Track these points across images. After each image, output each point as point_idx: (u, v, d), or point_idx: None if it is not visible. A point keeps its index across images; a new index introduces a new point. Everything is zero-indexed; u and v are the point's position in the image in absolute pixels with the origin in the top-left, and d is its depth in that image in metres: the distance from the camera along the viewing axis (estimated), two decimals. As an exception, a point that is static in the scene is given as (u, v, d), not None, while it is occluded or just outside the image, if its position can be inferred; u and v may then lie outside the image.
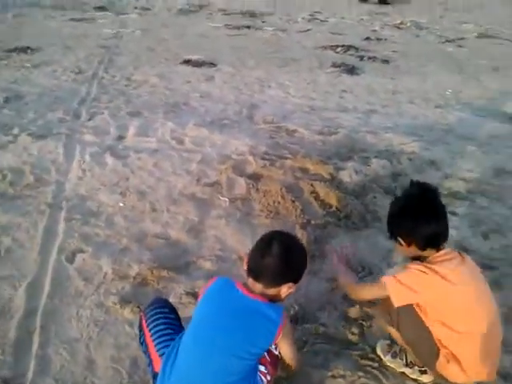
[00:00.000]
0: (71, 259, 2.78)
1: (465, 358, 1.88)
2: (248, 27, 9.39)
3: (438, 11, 11.98)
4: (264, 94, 5.65)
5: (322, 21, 10.29)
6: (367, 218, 3.21)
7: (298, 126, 4.64)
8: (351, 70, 6.68)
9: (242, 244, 2.96)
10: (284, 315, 1.78)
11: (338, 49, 7.87)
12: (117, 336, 2.32)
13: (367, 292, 2.11)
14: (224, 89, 5.79)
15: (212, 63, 6.78)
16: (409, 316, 1.95)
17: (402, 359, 2.16)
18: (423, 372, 2.12)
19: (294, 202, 3.30)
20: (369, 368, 2.18)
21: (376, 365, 2.20)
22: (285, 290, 1.80)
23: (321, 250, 2.88)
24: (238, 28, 9.37)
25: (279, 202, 3.30)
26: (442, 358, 1.92)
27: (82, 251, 2.85)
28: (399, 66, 7.05)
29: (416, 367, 2.12)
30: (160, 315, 1.96)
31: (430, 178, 3.71)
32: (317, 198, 3.37)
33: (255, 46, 8.00)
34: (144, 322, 1.97)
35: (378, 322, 2.15)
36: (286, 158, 3.88)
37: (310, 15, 10.78)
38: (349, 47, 7.91)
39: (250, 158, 3.86)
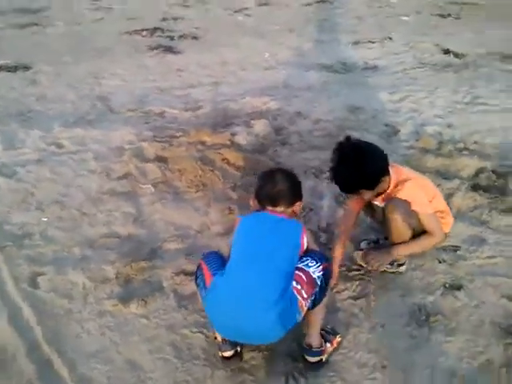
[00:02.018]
0: (34, 284, 2.60)
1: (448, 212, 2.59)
2: (35, 24, 8.71)
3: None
4: (103, 85, 5.51)
5: (108, 8, 10.05)
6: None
7: (162, 107, 4.73)
8: (170, 50, 6.86)
9: (191, 218, 3.11)
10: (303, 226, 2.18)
11: (144, 32, 7.88)
12: (139, 332, 2.33)
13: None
14: (57, 89, 5.46)
15: (25, 66, 6.25)
16: None
17: (382, 260, 2.64)
18: (400, 265, 2.64)
19: (212, 171, 3.52)
20: (359, 276, 2.63)
21: (362, 272, 2.65)
22: (297, 207, 2.27)
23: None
24: (23, 26, 8.63)
25: (200, 176, 3.49)
26: (441, 220, 2.54)
27: (39, 274, 2.66)
28: (210, 40, 7.44)
29: (395, 263, 2.63)
30: (215, 255, 2.22)
31: (303, 125, 4.28)
32: (229, 163, 3.64)
33: (57, 43, 7.55)
34: (201, 261, 2.18)
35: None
36: (178, 137, 4.01)
37: (92, 4, 10.41)
38: (154, 29, 8.01)
39: (145, 144, 3.90)
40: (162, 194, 3.33)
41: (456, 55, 6.25)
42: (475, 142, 3.90)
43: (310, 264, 2.07)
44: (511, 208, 3.11)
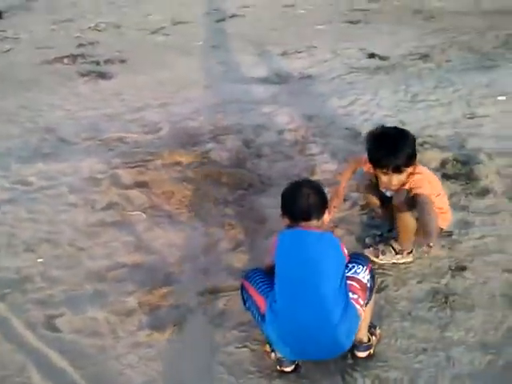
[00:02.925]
0: (53, 328, 2.46)
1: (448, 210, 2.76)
2: None
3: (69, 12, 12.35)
4: (44, 117, 5.25)
5: (15, 38, 9.56)
6: (263, 179, 3.68)
7: (119, 133, 4.63)
8: (102, 75, 6.71)
9: (194, 239, 3.10)
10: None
11: (65, 60, 7.61)
12: (183, 357, 2.30)
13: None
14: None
15: None
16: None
17: (391, 252, 2.80)
18: (409, 253, 2.81)
19: (199, 189, 3.52)
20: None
21: (376, 267, 2.78)
22: (326, 216, 2.28)
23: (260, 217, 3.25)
24: None
25: (188, 196, 3.46)
26: (440, 215, 2.64)
27: (55, 316, 2.53)
28: (138, 62, 7.33)
29: (405, 252, 2.79)
30: (257, 272, 2.24)
31: (269, 137, 4.39)
32: (213, 180, 3.65)
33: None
34: (246, 282, 2.21)
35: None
36: (151, 160, 3.95)
37: (-6, 35, 9.84)
38: (75, 56, 7.76)
39: (119, 171, 3.80)
40: (155, 219, 3.28)
41: (381, 58, 6.67)
42: (430, 136, 4.22)
43: (357, 270, 2.18)
44: (483, 191, 3.39)
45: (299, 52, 7.29)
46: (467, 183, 3.50)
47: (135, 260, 2.91)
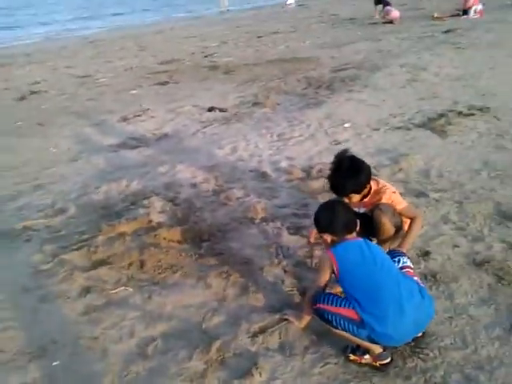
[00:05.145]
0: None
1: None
2: None
3: None
4: None
5: None
6: (218, 227, 3.81)
7: (20, 222, 4.19)
8: None
9: (197, 296, 3.09)
10: None
11: None
12: (284, 391, 2.36)
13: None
14: None
15: None
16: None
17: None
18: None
19: (167, 251, 3.49)
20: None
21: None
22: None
23: (244, 258, 3.41)
24: None
25: (161, 259, 3.41)
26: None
27: None
28: (34, 133, 6.55)
29: (386, 252, 3.30)
30: (325, 294, 2.49)
31: (186, 192, 4.52)
32: (172, 240, 3.65)
33: None
34: (321, 305, 2.43)
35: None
36: (91, 238, 3.72)
37: None
38: None
39: (65, 257, 3.49)
40: (144, 289, 3.15)
41: (221, 110, 7.28)
42: (319, 163, 4.85)
43: (404, 260, 2.66)
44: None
45: (138, 116, 7.47)
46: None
47: (160, 330, 2.79)
